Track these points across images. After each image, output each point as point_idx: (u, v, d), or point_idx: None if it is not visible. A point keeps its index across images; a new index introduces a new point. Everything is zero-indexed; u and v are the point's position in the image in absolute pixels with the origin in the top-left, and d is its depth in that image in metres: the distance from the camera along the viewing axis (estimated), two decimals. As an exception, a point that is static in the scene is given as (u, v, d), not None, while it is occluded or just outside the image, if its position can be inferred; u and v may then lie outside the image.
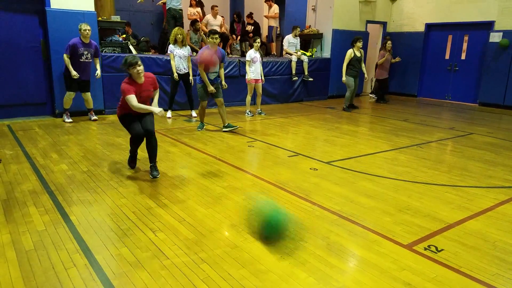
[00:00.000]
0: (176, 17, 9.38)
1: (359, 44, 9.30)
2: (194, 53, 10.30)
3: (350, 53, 9.26)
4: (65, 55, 6.89)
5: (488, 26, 10.72)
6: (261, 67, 8.44)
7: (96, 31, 7.64)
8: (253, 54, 8.15)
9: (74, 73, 6.91)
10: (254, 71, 8.21)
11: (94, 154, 5.30)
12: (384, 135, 6.94)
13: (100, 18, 8.29)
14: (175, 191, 3.98)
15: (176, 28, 7.83)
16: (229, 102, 9.04)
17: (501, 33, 10.29)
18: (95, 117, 7.57)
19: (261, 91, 8.62)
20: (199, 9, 12.04)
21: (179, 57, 7.78)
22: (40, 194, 3.83)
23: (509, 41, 7.14)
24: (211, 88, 6.46)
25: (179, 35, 7.68)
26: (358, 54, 9.32)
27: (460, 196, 4.05)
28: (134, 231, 3.09)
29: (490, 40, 10.56)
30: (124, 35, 9.17)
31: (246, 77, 8.31)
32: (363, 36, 11.46)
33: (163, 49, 10.25)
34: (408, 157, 5.56)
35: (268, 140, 6.37)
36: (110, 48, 8.33)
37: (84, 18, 7.38)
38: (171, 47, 7.77)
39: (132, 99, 4.17)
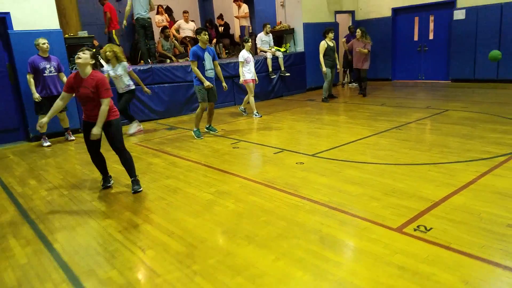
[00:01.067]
0: (145, 26, 9.25)
1: (331, 35, 9.47)
2: (168, 60, 10.26)
3: (323, 44, 9.42)
4: (28, 75, 6.66)
5: (451, 4, 10.96)
6: (254, 67, 8.38)
7: (64, 49, 7.50)
8: (246, 54, 8.11)
9: (36, 95, 6.66)
10: (250, 71, 8.19)
11: (74, 175, 5.20)
12: (364, 121, 7.02)
13: (66, 35, 8.14)
14: (161, 204, 3.93)
15: (106, 45, 7.05)
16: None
17: (464, 11, 10.52)
18: (72, 137, 7.40)
19: (253, 91, 8.45)
20: (166, 16, 11.96)
21: (114, 78, 6.91)
22: (20, 225, 3.70)
23: (500, 52, 6.70)
24: (207, 83, 6.32)
25: (107, 53, 6.71)
26: (331, 44, 9.49)
27: (443, 173, 4.13)
28: (122, 251, 3.02)
29: (454, 18, 10.80)
30: (93, 50, 9.01)
31: (242, 78, 8.22)
32: (333, 27, 11.57)
33: (134, 60, 10.15)
34: (389, 140, 5.64)
35: (252, 139, 6.37)
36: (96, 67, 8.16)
37: (50, 36, 7.22)
38: (104, 67, 6.96)
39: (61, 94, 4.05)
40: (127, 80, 6.99)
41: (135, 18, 9.34)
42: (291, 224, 3.23)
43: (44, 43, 6.72)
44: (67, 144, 7.11)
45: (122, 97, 7.08)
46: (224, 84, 6.85)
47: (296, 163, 4.92)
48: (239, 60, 8.19)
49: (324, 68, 9.47)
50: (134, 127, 7.40)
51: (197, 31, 6.45)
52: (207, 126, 7.00)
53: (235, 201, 3.84)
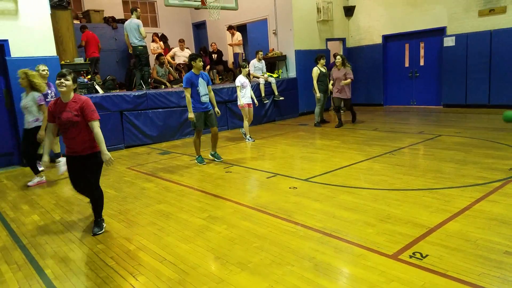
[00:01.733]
0: (137, 54, 9.40)
1: (323, 61, 9.70)
2: (162, 86, 10.34)
3: (316, 70, 9.59)
4: None
5: (441, 32, 11.23)
6: (252, 91, 8.58)
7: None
8: (242, 79, 8.25)
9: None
10: (245, 96, 8.29)
11: (66, 200, 5.12)
12: (357, 146, 7.04)
13: (63, 62, 8.20)
14: (153, 229, 3.87)
15: (20, 70, 5.91)
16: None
17: (454, 37, 10.79)
18: (63, 168, 7.18)
19: (252, 117, 8.60)
20: (161, 43, 12.16)
21: (23, 108, 5.96)
22: (12, 250, 3.64)
23: None
24: (191, 115, 6.20)
25: (20, 79, 5.85)
26: (323, 70, 9.69)
27: (437, 198, 4.11)
28: (114, 277, 2.96)
29: (445, 45, 11.05)
30: (89, 76, 9.08)
31: (238, 103, 8.36)
32: (325, 54, 11.80)
33: (130, 86, 10.22)
34: (382, 165, 5.64)
35: (245, 164, 6.34)
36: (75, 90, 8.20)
37: (47, 63, 7.24)
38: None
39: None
40: (36, 113, 5.89)
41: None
42: (284, 250, 3.18)
43: (44, 70, 6.73)
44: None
45: (29, 136, 5.90)
46: (216, 109, 6.74)
47: (289, 188, 4.89)
48: (236, 85, 8.30)
49: (318, 94, 9.59)
50: (36, 180, 6.18)
51: (192, 58, 6.36)
52: (212, 152, 6.78)
53: (228, 226, 3.78)
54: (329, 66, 11.01)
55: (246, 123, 8.49)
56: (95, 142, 3.76)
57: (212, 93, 6.58)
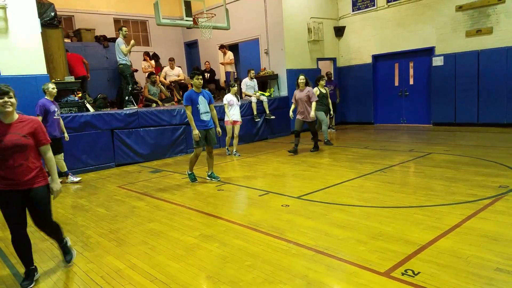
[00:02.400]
0: (119, 72, 9.52)
1: (322, 82, 9.82)
2: (154, 104, 10.36)
3: (315, 91, 9.61)
4: (38, 117, 6.68)
5: (429, 51, 11.48)
6: (239, 109, 8.97)
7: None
8: (230, 97, 8.68)
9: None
10: (233, 113, 8.71)
11: (55, 219, 5.00)
12: (348, 164, 7.08)
13: (53, 80, 8.19)
14: (144, 248, 3.82)
15: None
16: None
17: (442, 57, 11.03)
18: (77, 178, 7.34)
19: (237, 133, 8.98)
20: (152, 62, 12.25)
21: None
22: (1, 270, 3.57)
23: None
24: (196, 132, 6.13)
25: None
26: (323, 91, 9.76)
27: (428, 216, 4.13)
28: (104, 297, 2.91)
29: (434, 64, 11.28)
30: (80, 94, 9.07)
31: (225, 119, 8.81)
32: (316, 73, 12.00)
33: (121, 104, 10.21)
34: (374, 183, 5.67)
35: (237, 182, 6.33)
36: (66, 108, 8.20)
37: (37, 82, 7.28)
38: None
39: None
40: None
41: None
42: (276, 268, 3.15)
43: (53, 88, 6.87)
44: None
45: None
46: (218, 129, 6.58)
47: (282, 205, 4.88)
48: (224, 103, 8.72)
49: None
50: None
51: (191, 76, 6.35)
52: (209, 173, 6.65)
53: (220, 245, 3.75)
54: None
55: (227, 139, 9.15)
56: (43, 171, 3.25)
57: (214, 111, 6.48)
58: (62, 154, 7.17)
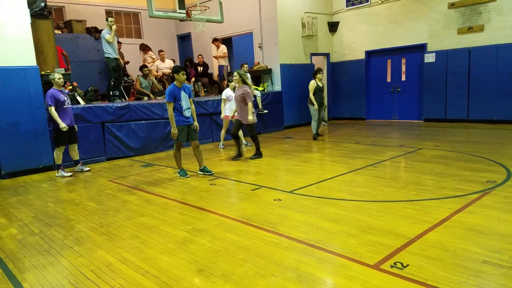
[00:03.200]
0: (106, 67, 9.52)
1: (320, 76, 9.72)
2: (146, 98, 10.29)
3: (313, 84, 9.56)
4: (51, 108, 6.80)
5: (421, 48, 11.55)
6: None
7: (39, 85, 7.44)
8: (229, 92, 8.69)
9: (63, 125, 6.83)
10: (229, 108, 8.70)
11: (45, 213, 5.01)
12: (340, 159, 7.12)
13: (43, 72, 8.09)
14: (136, 242, 3.82)
15: None
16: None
17: (434, 54, 11.10)
18: (87, 168, 7.50)
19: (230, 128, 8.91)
20: (151, 53, 12.15)
21: None
22: (-13, 263, 3.54)
23: None
24: (174, 131, 6.11)
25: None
26: (320, 84, 9.71)
27: (418, 210, 4.19)
28: (95, 290, 2.91)
29: (425, 61, 11.35)
30: (70, 87, 8.99)
31: (222, 114, 8.87)
32: (310, 68, 12.02)
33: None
34: (365, 177, 5.71)
35: (230, 176, 6.34)
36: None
37: (26, 73, 7.20)
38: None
39: None
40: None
41: None
42: (268, 262, 3.18)
43: (59, 78, 7.01)
44: (40, 182, 6.89)
45: None
46: (195, 123, 6.45)
47: (274, 200, 4.90)
48: (222, 97, 8.73)
49: (316, 106, 9.49)
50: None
51: (175, 70, 6.18)
52: (201, 168, 6.59)
53: (212, 238, 3.77)
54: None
55: (223, 132, 9.19)
56: None
57: (193, 105, 6.42)
58: (76, 144, 7.34)
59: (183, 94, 6.21)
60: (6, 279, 3.21)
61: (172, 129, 6.17)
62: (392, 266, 2.95)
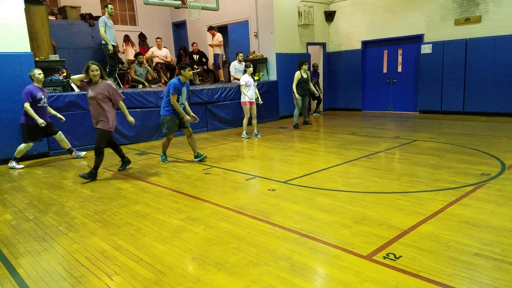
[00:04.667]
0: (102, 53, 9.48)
1: (305, 67, 9.93)
2: (140, 86, 10.21)
3: (297, 74, 9.77)
4: (27, 104, 6.56)
5: (418, 39, 11.52)
6: (256, 90, 9.07)
7: (34, 72, 7.34)
8: (247, 78, 8.77)
9: (41, 121, 6.62)
10: (249, 94, 8.76)
11: (40, 199, 5.00)
12: (335, 150, 7.13)
13: (37, 59, 7.99)
14: (130, 230, 3.82)
15: None
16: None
17: (430, 45, 11.08)
18: (83, 153, 7.52)
19: (255, 113, 9.06)
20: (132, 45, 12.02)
21: None
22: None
23: None
24: (187, 117, 6.33)
25: None
26: (305, 75, 9.85)
27: (411, 201, 4.21)
28: (89, 277, 2.91)
29: (422, 52, 11.33)
30: (65, 73, 8.88)
31: (242, 100, 8.88)
32: (305, 58, 11.97)
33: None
34: (359, 168, 5.73)
35: (224, 166, 6.33)
36: (50, 88, 8.03)
37: (20, 60, 7.10)
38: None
39: None
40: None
41: None
42: (261, 251, 3.19)
43: (40, 74, 6.78)
44: (34, 168, 6.85)
45: None
46: (192, 114, 6.58)
47: (268, 190, 4.91)
48: (241, 84, 8.86)
49: (297, 95, 9.75)
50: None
51: (182, 67, 6.30)
52: (195, 155, 6.70)
53: (206, 227, 3.77)
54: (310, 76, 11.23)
55: (245, 120, 8.99)
56: None
57: (186, 102, 6.65)
58: (60, 132, 7.24)
59: (184, 90, 6.37)
60: (1, 264, 3.21)
61: (184, 116, 6.35)
62: (384, 257, 2.98)
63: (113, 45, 9.25)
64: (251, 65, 8.98)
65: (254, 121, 9.12)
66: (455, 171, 5.31)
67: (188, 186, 5.26)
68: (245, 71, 8.96)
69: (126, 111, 6.06)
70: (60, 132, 7.24)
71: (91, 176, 5.74)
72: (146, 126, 9.01)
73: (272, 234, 3.54)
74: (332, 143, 7.88)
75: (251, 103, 8.85)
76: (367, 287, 2.58)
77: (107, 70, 9.40)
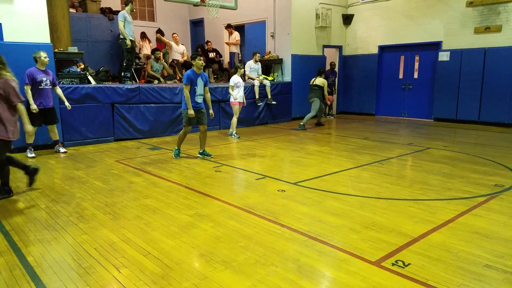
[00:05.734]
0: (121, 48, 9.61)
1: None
2: (156, 81, 10.29)
3: (324, 81, 10.40)
4: (26, 86, 6.66)
5: (436, 46, 11.38)
6: (243, 91, 9.10)
7: (52, 63, 7.46)
8: (236, 79, 8.79)
9: (34, 106, 6.68)
10: (238, 95, 8.80)
11: (52, 189, 5.07)
12: (347, 154, 7.09)
13: (56, 50, 8.11)
14: (139, 223, 3.85)
15: None
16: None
17: (448, 52, 10.94)
18: (64, 150, 7.39)
19: (238, 114, 9.15)
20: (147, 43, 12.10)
21: None
22: (-6, 236, 3.60)
23: None
24: (191, 112, 6.31)
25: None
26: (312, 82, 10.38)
27: (422, 209, 4.17)
28: (97, 268, 2.94)
29: (439, 59, 11.19)
30: (82, 66, 9.00)
31: (231, 100, 8.95)
32: (321, 60, 11.95)
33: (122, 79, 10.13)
34: (370, 173, 5.69)
35: (235, 164, 6.35)
36: (67, 79, 8.14)
37: (39, 50, 7.19)
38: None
39: None
40: None
41: None
42: (269, 251, 3.19)
43: (45, 57, 6.84)
44: (48, 158, 6.96)
45: None
46: (211, 111, 6.74)
47: (278, 190, 4.90)
48: (230, 84, 8.81)
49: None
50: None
51: (192, 56, 6.42)
52: (200, 151, 6.83)
53: (214, 224, 3.79)
54: (326, 73, 11.20)
55: (234, 119, 9.05)
56: None
57: (208, 94, 6.66)
58: (55, 125, 7.21)
59: (199, 80, 6.40)
60: (11, 251, 3.26)
61: (188, 110, 6.33)
62: (393, 264, 2.95)
63: (131, 40, 9.34)
64: (242, 66, 9.13)
65: (234, 120, 9.13)
66: (468, 181, 5.24)
67: (199, 183, 5.28)
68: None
69: (25, 118, 4.67)
70: (55, 124, 7.22)
71: (5, 193, 4.76)
72: (160, 121, 9.07)
73: (280, 235, 3.54)
74: (344, 146, 7.84)
75: (240, 103, 8.91)
76: (374, 293, 2.56)
77: (124, 64, 9.49)
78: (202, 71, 6.49)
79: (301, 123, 10.20)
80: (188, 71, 6.37)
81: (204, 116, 6.59)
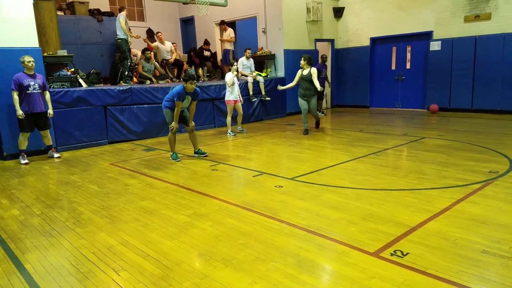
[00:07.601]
0: (117, 47, 9.73)
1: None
2: (148, 81, 10.24)
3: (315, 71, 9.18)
4: (13, 92, 6.60)
5: (427, 36, 11.41)
6: (239, 89, 8.98)
7: (42, 67, 7.39)
8: (230, 76, 8.67)
9: (19, 112, 6.62)
10: (233, 93, 8.71)
11: (47, 195, 5.04)
12: (343, 147, 7.10)
13: (45, 54, 8.04)
14: (137, 225, 3.83)
15: None
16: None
17: (440, 42, 10.97)
18: (58, 155, 7.33)
19: (241, 111, 9.09)
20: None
21: None
22: (-9, 244, 3.57)
23: None
24: (176, 125, 6.44)
25: None
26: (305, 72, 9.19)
27: (419, 199, 4.18)
28: (96, 273, 2.92)
29: (431, 49, 11.22)
30: (72, 69, 8.93)
31: (226, 98, 8.83)
32: (313, 54, 11.91)
33: (115, 80, 10.09)
34: (366, 165, 5.70)
35: (231, 162, 6.34)
36: (58, 83, 8.08)
37: (28, 54, 7.12)
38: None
39: None
40: None
41: None
42: (269, 247, 3.19)
43: (29, 61, 6.73)
44: (42, 163, 6.91)
45: None
46: (192, 122, 6.70)
47: (275, 186, 4.90)
48: (226, 81, 8.74)
49: (319, 87, 8.38)
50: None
51: (184, 79, 6.24)
52: (195, 151, 6.84)
53: (213, 223, 3.78)
54: (317, 66, 11.00)
55: (229, 118, 8.98)
56: None
57: (194, 106, 6.61)
58: (47, 130, 7.13)
59: (187, 98, 6.37)
60: (8, 260, 3.23)
61: (174, 122, 6.42)
62: (392, 254, 2.96)
63: (122, 39, 9.39)
64: (236, 63, 9.04)
65: (240, 118, 9.22)
66: (463, 169, 5.26)
67: (195, 182, 5.27)
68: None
69: None
70: (48, 129, 7.15)
71: None
72: (154, 122, 9.03)
73: (280, 230, 3.54)
74: (339, 140, 7.85)
75: (235, 101, 8.81)
76: (374, 283, 2.57)
77: (128, 64, 9.49)
78: (195, 87, 6.35)
79: (305, 128, 8.95)
80: (179, 89, 6.22)
81: (187, 115, 6.61)
